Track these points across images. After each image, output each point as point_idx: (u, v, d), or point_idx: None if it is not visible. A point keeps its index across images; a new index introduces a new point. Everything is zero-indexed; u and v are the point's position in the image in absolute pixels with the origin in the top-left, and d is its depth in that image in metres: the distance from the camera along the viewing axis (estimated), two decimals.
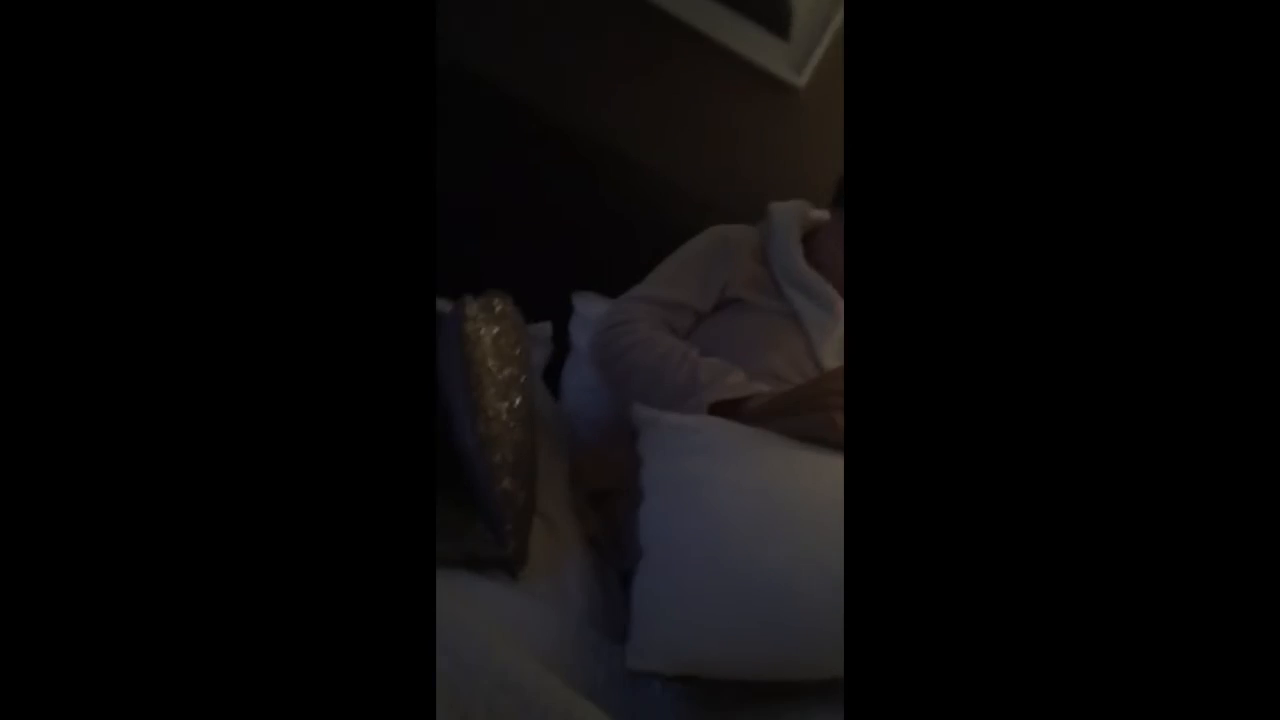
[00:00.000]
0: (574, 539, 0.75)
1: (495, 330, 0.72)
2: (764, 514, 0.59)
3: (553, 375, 1.16)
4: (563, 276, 1.18)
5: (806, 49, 1.29)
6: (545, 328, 1.12)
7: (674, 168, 1.31)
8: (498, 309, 0.76)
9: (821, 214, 1.11)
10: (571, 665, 0.51)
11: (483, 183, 1.18)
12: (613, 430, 0.98)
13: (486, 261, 1.07)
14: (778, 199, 1.12)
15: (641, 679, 0.51)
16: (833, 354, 0.98)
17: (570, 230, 1.20)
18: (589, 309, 1.16)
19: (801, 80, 1.30)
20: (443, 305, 0.76)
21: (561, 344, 1.15)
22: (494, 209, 1.19)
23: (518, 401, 0.70)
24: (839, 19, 1.27)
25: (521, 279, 0.92)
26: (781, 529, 0.57)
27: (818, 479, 0.66)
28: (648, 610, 0.52)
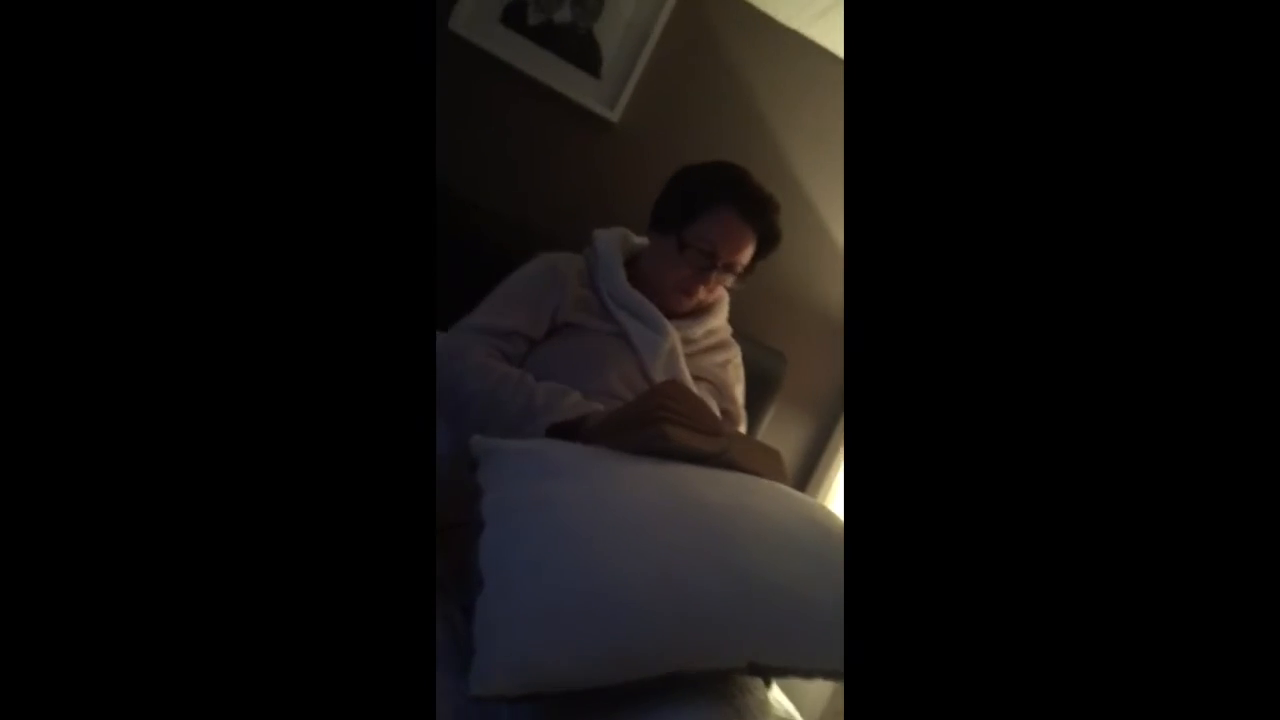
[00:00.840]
0: None
1: None
2: (602, 526, 0.61)
3: None
4: None
5: (618, 86, 1.37)
6: None
7: (499, 200, 1.33)
8: None
9: (641, 240, 1.17)
10: None
11: None
12: (452, 464, 0.96)
13: None
14: (600, 227, 1.18)
15: (489, 706, 0.51)
16: (662, 369, 1.04)
17: None
18: None
19: (615, 115, 1.38)
20: None
21: None
22: None
23: None
24: (645, 55, 1.36)
25: None
26: (620, 539, 0.60)
27: (654, 488, 0.69)
28: (488, 635, 0.52)
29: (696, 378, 1.09)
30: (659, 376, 1.03)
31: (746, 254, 1.08)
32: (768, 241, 1.09)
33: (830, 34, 1.44)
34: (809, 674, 0.61)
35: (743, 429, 1.18)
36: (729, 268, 1.08)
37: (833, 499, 1.54)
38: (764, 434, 1.45)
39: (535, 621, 0.52)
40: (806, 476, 1.58)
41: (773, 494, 0.77)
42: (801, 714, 1.20)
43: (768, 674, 0.62)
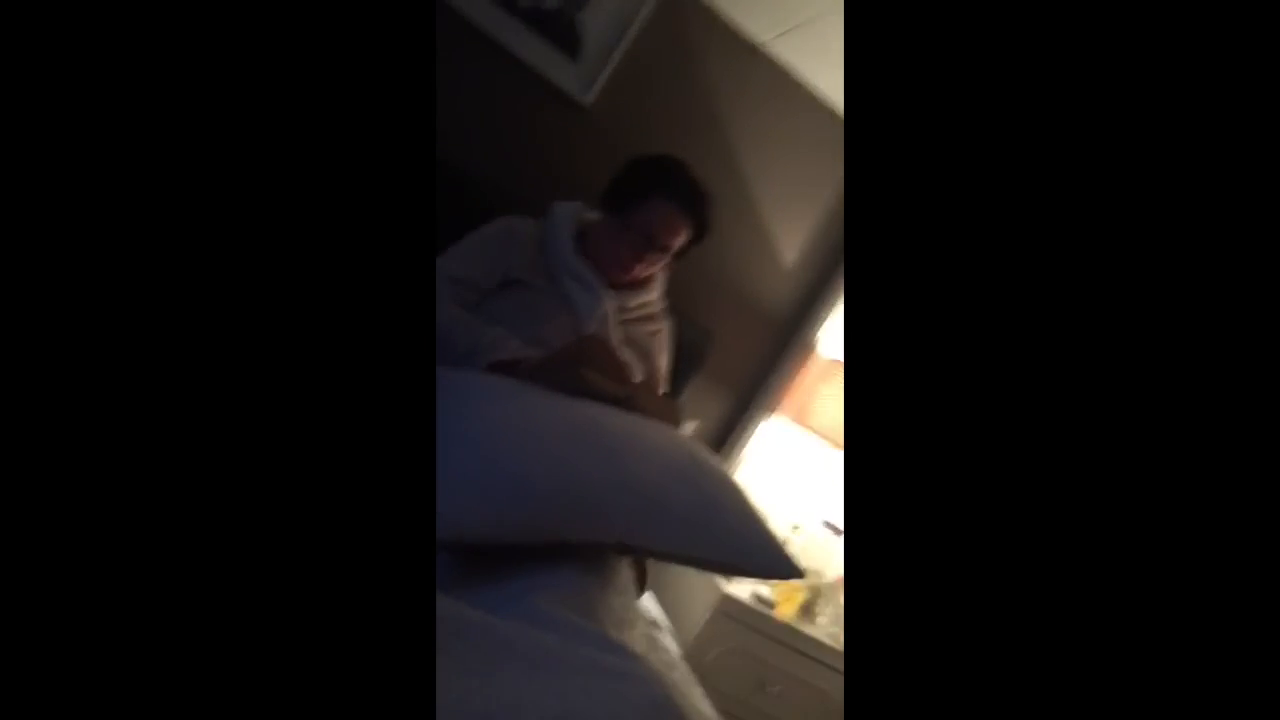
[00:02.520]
0: None
1: None
2: (512, 427, 0.78)
3: None
4: None
5: (594, 72, 1.49)
6: None
7: (477, 164, 1.45)
8: None
9: (594, 215, 1.33)
10: None
11: None
12: None
13: None
14: (562, 199, 1.32)
15: None
16: (593, 329, 1.21)
17: None
18: None
19: (588, 99, 1.50)
20: None
21: None
22: None
23: None
24: (622, 48, 1.49)
25: None
26: (524, 436, 0.76)
27: (560, 410, 0.86)
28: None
29: (625, 342, 1.25)
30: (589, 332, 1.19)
31: (680, 240, 1.25)
32: (701, 232, 1.26)
33: (788, 53, 1.61)
34: (662, 556, 0.80)
35: (663, 392, 1.37)
36: (664, 250, 1.24)
37: (743, 468, 1.73)
38: (685, 401, 1.63)
39: (448, 488, 0.69)
40: (720, 444, 1.76)
41: (660, 430, 0.94)
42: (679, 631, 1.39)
43: (632, 552, 0.80)
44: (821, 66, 1.57)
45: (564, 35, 1.49)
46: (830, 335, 1.73)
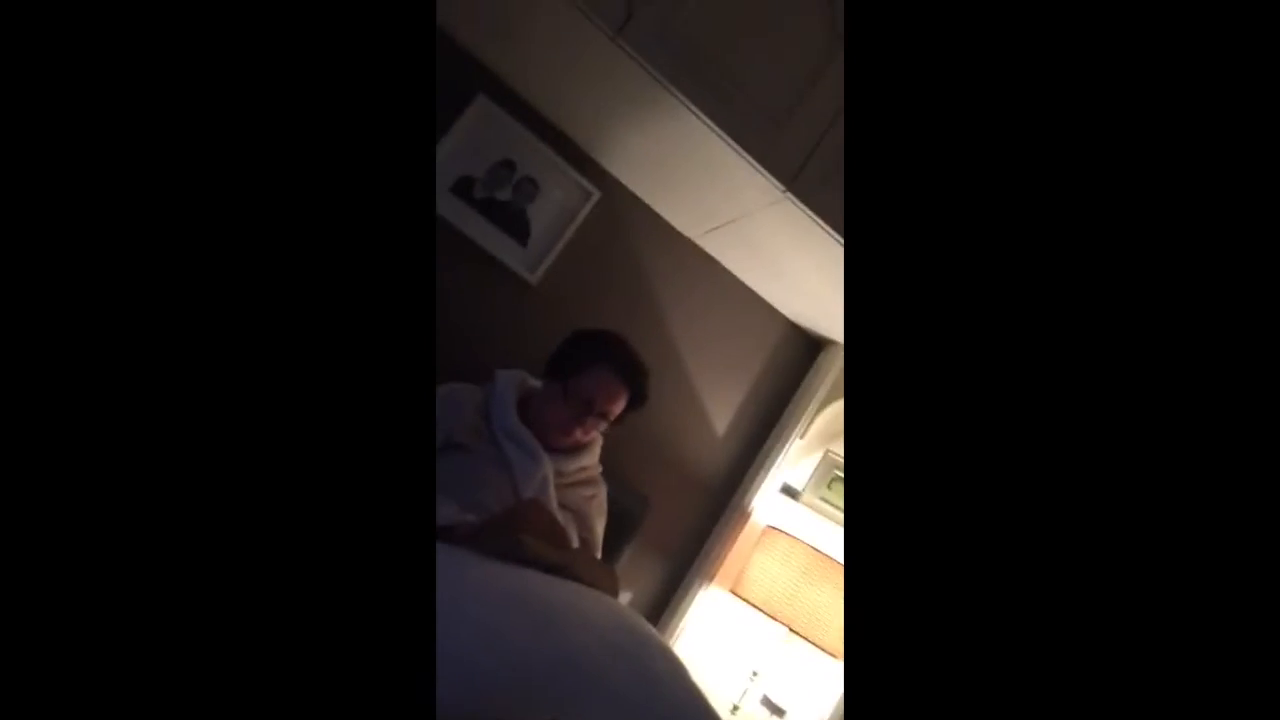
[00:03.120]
0: None
1: None
2: (456, 600, 0.76)
3: None
4: None
5: (541, 255, 1.63)
6: None
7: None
8: None
9: (536, 383, 1.39)
10: None
11: None
12: None
13: None
14: (506, 367, 1.39)
15: None
16: (532, 494, 1.22)
17: None
18: None
19: (535, 279, 1.62)
20: None
21: None
22: None
23: None
24: (567, 235, 1.63)
25: None
26: (461, 615, 0.74)
27: (499, 579, 0.85)
28: None
29: (562, 506, 1.27)
30: (528, 496, 1.21)
31: (618, 406, 1.32)
32: (637, 399, 1.34)
33: (718, 247, 1.80)
34: None
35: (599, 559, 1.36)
36: (603, 416, 1.30)
37: (680, 639, 1.68)
38: (621, 568, 1.61)
39: None
40: (657, 614, 1.72)
41: (599, 599, 0.94)
42: None
43: None
44: (747, 259, 1.74)
45: (514, 223, 1.64)
46: (764, 502, 1.77)
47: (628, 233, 1.73)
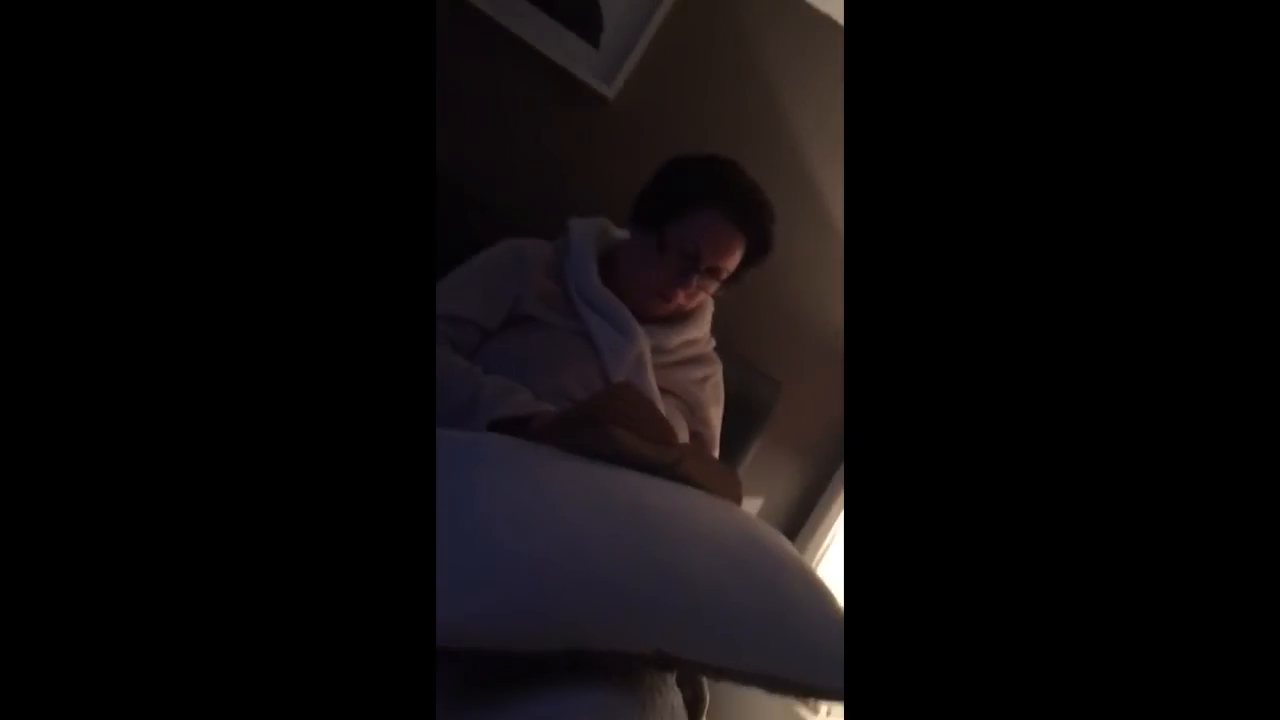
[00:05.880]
0: None
1: None
2: (534, 506, 0.77)
3: None
4: None
5: (619, 56, 1.54)
6: None
7: (473, 177, 1.50)
8: None
9: (621, 233, 1.35)
10: None
11: None
12: None
13: None
14: (580, 214, 1.36)
15: None
16: (626, 375, 1.20)
17: None
18: None
19: (611, 91, 1.55)
20: None
21: None
22: None
23: None
24: (653, 27, 1.54)
25: None
26: (537, 523, 0.75)
27: (585, 482, 0.85)
28: None
29: (665, 391, 1.24)
30: (618, 379, 1.19)
31: (733, 260, 1.25)
32: (758, 249, 1.26)
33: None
34: (717, 673, 0.77)
35: (716, 457, 1.36)
36: (713, 273, 1.25)
37: (824, 557, 1.69)
38: (745, 471, 1.61)
39: (451, 587, 0.70)
40: (794, 526, 1.74)
41: (715, 505, 0.93)
42: None
43: (676, 665, 0.78)
44: None
45: (581, 15, 1.55)
46: None
47: (740, 15, 1.60)
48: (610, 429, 0.95)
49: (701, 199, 1.23)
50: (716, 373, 1.37)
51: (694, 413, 1.31)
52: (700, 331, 1.34)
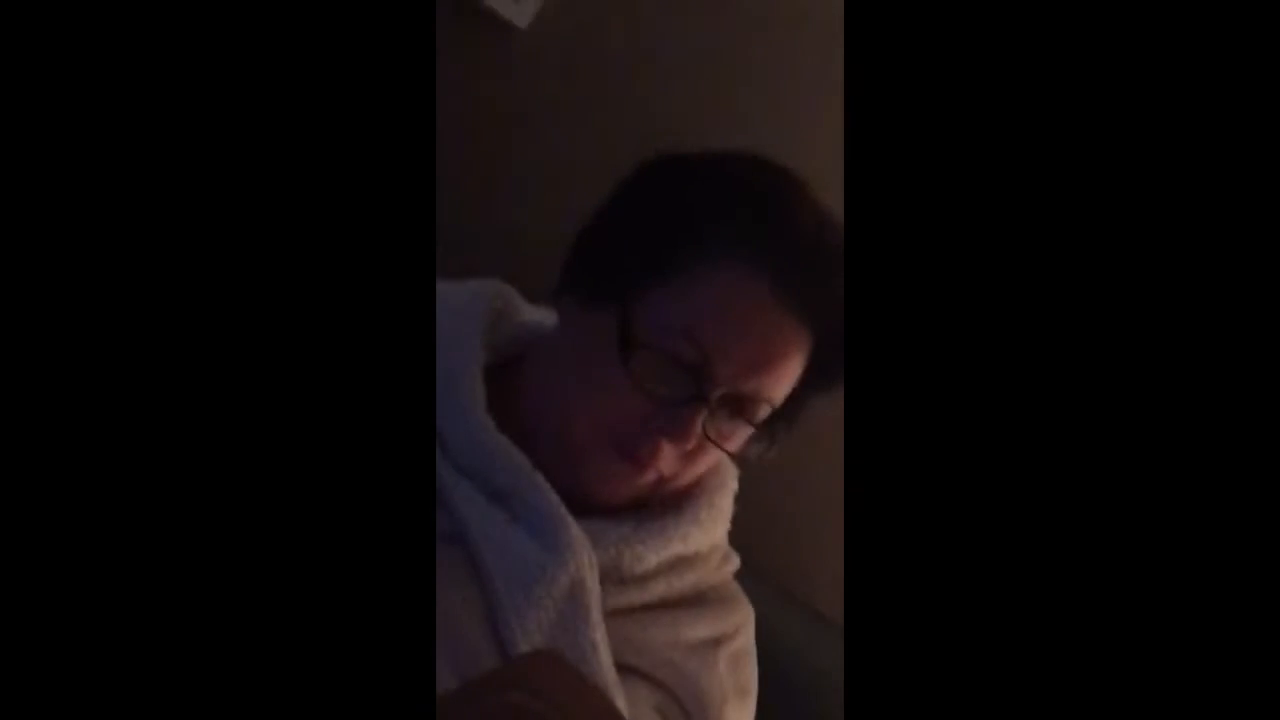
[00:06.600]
0: None
1: None
2: None
3: None
4: None
5: None
6: None
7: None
8: None
9: (540, 314, 0.78)
10: None
11: None
12: None
13: None
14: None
15: None
16: (539, 635, 0.63)
17: None
18: None
19: (524, 19, 1.28)
20: None
21: None
22: None
23: None
24: None
25: None
26: None
27: None
28: None
29: (630, 670, 0.66)
30: (528, 644, 0.65)
31: (783, 374, 0.68)
32: (830, 353, 0.69)
33: None
34: None
35: None
36: (738, 403, 0.68)
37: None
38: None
39: None
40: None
41: None
42: None
43: None
44: None
45: None
46: None
47: None
48: (511, 701, 0.53)
49: (716, 244, 0.67)
50: (741, 628, 0.74)
51: (684, 708, 0.68)
52: (708, 535, 0.73)
